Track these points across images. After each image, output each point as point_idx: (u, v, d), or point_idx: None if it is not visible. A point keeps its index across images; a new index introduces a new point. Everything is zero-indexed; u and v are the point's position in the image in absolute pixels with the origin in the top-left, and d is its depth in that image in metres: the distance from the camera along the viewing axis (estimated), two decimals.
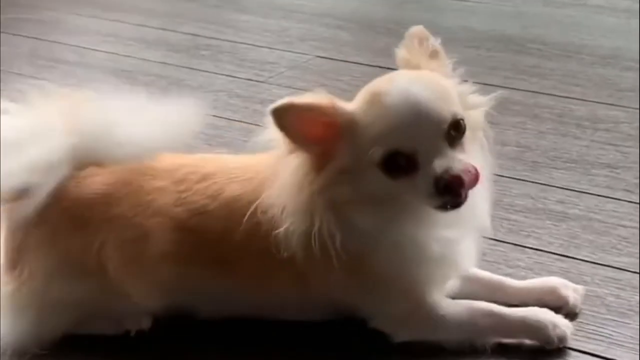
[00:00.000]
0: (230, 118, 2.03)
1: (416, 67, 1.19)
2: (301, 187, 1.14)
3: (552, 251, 1.48)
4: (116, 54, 2.48)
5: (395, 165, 1.10)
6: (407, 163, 1.10)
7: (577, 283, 1.36)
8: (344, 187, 1.14)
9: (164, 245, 1.21)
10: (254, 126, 1.99)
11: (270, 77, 2.27)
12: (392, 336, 1.25)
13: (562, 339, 1.24)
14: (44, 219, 1.23)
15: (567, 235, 1.53)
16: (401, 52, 1.21)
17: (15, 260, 1.24)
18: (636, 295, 1.36)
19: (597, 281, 1.40)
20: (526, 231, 1.54)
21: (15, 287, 1.24)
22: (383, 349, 1.25)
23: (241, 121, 2.01)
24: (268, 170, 1.20)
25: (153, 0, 3.02)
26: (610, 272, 1.42)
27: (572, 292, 1.33)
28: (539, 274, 1.40)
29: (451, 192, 1.09)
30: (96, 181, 1.25)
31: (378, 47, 2.50)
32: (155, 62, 2.41)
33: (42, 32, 2.68)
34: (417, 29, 1.23)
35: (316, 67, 2.35)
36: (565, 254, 1.48)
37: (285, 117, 1.10)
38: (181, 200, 1.22)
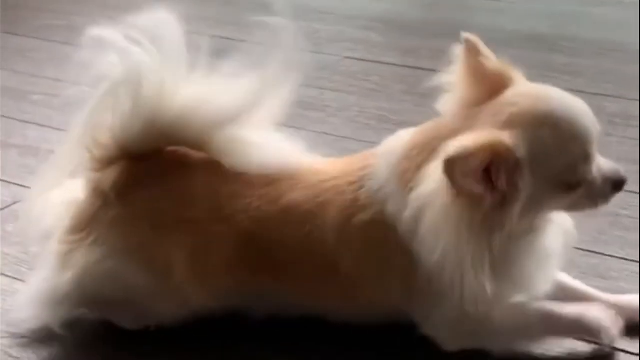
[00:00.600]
0: None
1: (494, 78, 1.15)
2: (473, 229, 1.08)
3: (581, 247, 1.45)
4: None
5: (579, 183, 1.11)
6: (587, 176, 1.12)
7: (604, 279, 1.34)
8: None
9: (227, 253, 1.22)
10: (282, 126, 1.99)
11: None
12: (444, 344, 1.21)
13: (613, 338, 1.20)
14: (128, 200, 1.24)
15: (595, 231, 1.51)
16: (460, 65, 1.17)
17: (85, 224, 1.25)
18: None
19: (625, 277, 1.38)
20: None
21: (71, 249, 1.25)
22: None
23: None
24: (338, 177, 1.20)
25: (189, 4, 3.03)
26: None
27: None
28: (568, 270, 1.37)
29: (621, 188, 1.15)
30: (181, 177, 1.25)
31: (408, 46, 2.49)
32: None
33: (72, 37, 2.70)
34: (474, 39, 1.18)
35: (345, 68, 2.34)
36: (593, 249, 1.45)
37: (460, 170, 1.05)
38: (247, 206, 1.22)
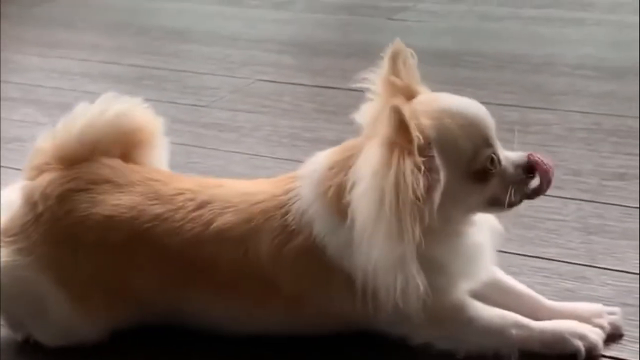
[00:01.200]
0: (174, 142, 2.07)
1: (405, 89, 1.21)
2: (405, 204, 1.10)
3: None
4: (61, 88, 2.52)
5: (487, 170, 1.17)
6: (493, 164, 1.17)
7: (508, 274, 1.42)
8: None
9: (153, 276, 1.26)
10: (197, 148, 2.04)
11: (213, 102, 2.32)
12: (411, 337, 1.24)
13: (593, 348, 1.22)
14: (55, 215, 1.28)
15: None
16: (383, 74, 1.23)
17: (14, 231, 1.30)
18: (563, 282, 1.42)
19: (526, 271, 1.46)
20: None
21: None
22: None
23: (184, 144, 2.05)
24: (265, 200, 1.24)
25: (98, 36, 3.06)
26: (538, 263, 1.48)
27: (605, 320, 1.28)
28: None
29: (534, 170, 1.19)
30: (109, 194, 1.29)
31: (319, 67, 2.56)
32: (99, 94, 2.44)
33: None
34: (398, 46, 1.24)
35: (258, 90, 2.40)
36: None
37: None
38: (178, 229, 1.24)
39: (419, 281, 1.13)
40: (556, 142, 1.95)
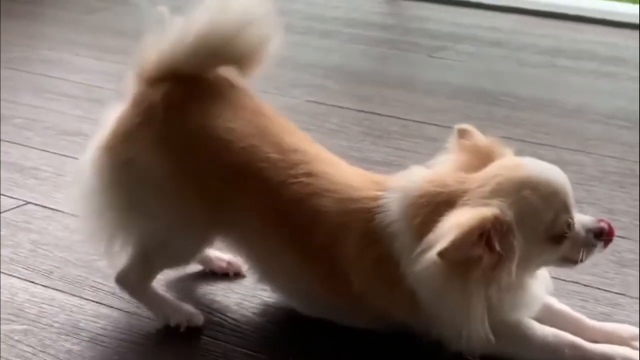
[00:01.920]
0: None
1: (489, 155, 1.34)
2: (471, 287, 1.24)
3: None
4: (119, 91, 2.63)
5: (563, 234, 1.28)
6: (569, 228, 1.29)
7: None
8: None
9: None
10: None
11: None
12: (466, 348, 1.30)
13: None
14: (170, 122, 1.39)
15: None
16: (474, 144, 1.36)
17: (123, 137, 1.41)
18: (599, 307, 1.53)
19: (564, 294, 1.57)
20: None
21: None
22: None
23: None
24: (357, 199, 1.35)
25: None
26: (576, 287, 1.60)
27: None
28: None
29: (603, 235, 1.32)
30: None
31: (363, 94, 2.69)
32: None
33: (47, 69, 2.84)
34: (467, 128, 1.37)
35: (307, 110, 2.53)
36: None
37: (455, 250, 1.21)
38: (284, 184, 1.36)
39: (484, 331, 1.25)
40: (591, 182, 2.07)
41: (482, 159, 1.34)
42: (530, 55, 3.19)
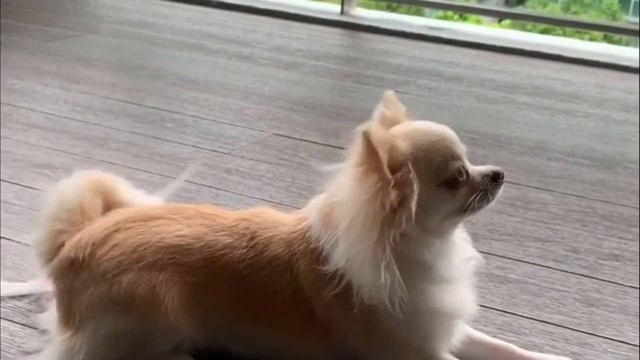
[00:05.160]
0: (200, 183, 2.21)
1: (396, 122, 1.41)
2: (377, 219, 1.29)
3: (496, 308, 1.70)
4: (87, 122, 2.64)
5: (456, 179, 1.33)
6: (460, 174, 1.34)
7: (518, 334, 1.57)
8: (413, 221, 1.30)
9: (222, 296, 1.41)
10: (223, 191, 2.18)
11: (234, 150, 2.47)
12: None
13: None
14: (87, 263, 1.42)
15: (507, 295, 1.75)
16: (383, 110, 1.43)
17: (68, 310, 1.42)
18: (569, 346, 1.59)
19: (535, 333, 1.62)
20: None
21: (70, 334, 1.40)
22: None
23: (210, 186, 2.19)
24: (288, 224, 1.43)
25: (115, 75, 3.19)
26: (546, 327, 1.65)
27: None
28: (486, 326, 1.61)
29: (500, 177, 1.37)
30: (169, 230, 1.44)
31: (329, 128, 2.73)
32: (124, 131, 2.58)
33: (13, 99, 2.82)
34: (392, 94, 1.45)
35: (275, 143, 2.56)
36: (506, 310, 1.69)
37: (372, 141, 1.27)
38: (240, 257, 1.41)
39: (390, 275, 1.29)
40: (555, 221, 2.13)
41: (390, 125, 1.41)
42: (489, 91, 3.28)
